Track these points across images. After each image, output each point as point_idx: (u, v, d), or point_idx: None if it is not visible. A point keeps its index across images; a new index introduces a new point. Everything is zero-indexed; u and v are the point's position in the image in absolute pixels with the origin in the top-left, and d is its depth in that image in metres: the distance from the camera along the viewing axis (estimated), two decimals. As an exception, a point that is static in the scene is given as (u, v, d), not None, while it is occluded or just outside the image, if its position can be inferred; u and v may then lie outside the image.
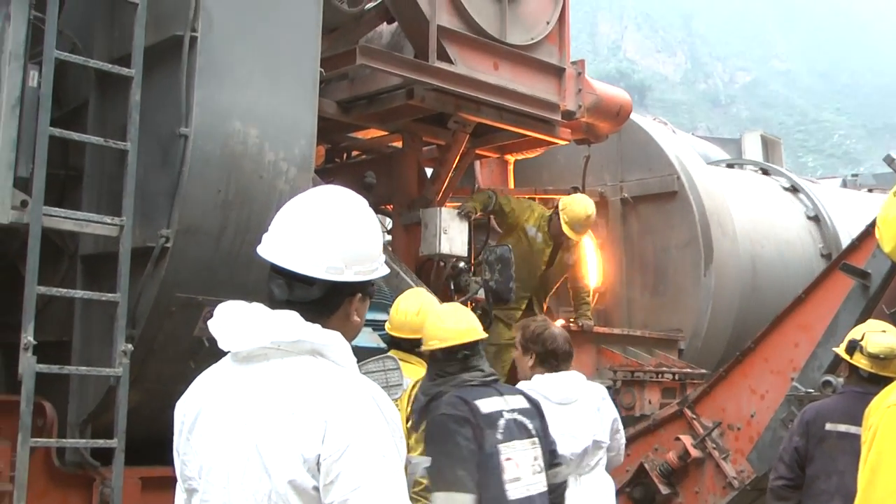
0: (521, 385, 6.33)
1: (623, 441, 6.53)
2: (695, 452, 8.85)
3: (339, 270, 2.87)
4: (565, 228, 9.76)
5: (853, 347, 6.54)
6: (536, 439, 5.18)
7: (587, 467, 6.19)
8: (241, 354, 2.87)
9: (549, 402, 6.13)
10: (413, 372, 6.10)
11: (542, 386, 6.22)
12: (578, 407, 6.21)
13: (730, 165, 14.78)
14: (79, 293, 6.24)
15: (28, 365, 5.59)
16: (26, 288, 5.69)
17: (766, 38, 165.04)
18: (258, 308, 2.88)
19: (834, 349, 6.96)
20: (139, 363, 6.19)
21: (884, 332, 6.57)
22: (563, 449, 6.06)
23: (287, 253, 2.88)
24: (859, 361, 6.52)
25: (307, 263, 2.85)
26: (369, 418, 2.72)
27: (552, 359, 6.30)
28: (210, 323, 2.89)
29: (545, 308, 10.18)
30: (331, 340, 2.82)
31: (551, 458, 5.28)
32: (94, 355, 6.32)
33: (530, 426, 5.18)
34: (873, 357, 6.44)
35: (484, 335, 5.59)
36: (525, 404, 5.29)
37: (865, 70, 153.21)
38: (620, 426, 6.47)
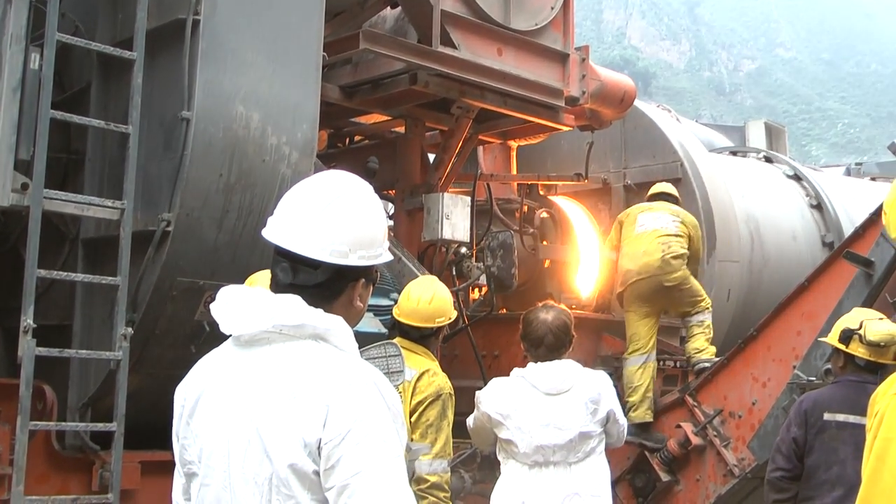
0: (514, 372, 6.31)
1: (622, 428, 6.46)
2: (696, 440, 8.85)
3: (343, 254, 2.87)
4: None
5: (848, 336, 6.51)
6: None
7: (578, 456, 6.14)
8: (243, 338, 2.86)
9: (537, 392, 6.12)
10: (417, 362, 6.10)
11: (533, 375, 6.17)
12: (568, 398, 6.10)
13: (733, 153, 14.76)
14: (79, 277, 6.24)
15: (28, 348, 5.59)
16: (26, 271, 5.69)
17: (771, 27, 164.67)
18: (261, 292, 2.88)
19: (823, 339, 6.91)
20: (140, 347, 6.19)
21: (881, 319, 6.55)
22: (546, 440, 6.05)
23: (292, 236, 2.87)
24: (857, 350, 6.49)
25: (312, 246, 2.85)
26: (371, 404, 2.71)
27: (532, 347, 6.28)
28: (212, 306, 2.89)
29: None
30: (333, 325, 2.82)
31: None
32: (95, 339, 6.33)
33: None
34: (873, 345, 6.41)
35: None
36: None
37: (871, 59, 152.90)
38: (619, 416, 6.38)
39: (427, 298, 6.32)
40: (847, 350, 6.53)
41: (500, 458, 6.33)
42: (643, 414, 9.25)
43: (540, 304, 6.53)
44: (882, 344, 6.40)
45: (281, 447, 2.68)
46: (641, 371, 9.40)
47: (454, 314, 6.49)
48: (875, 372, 6.51)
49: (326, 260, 2.85)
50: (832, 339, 6.65)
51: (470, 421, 6.47)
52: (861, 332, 6.44)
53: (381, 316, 7.28)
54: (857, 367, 6.52)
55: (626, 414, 8.44)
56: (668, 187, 10.44)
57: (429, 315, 6.26)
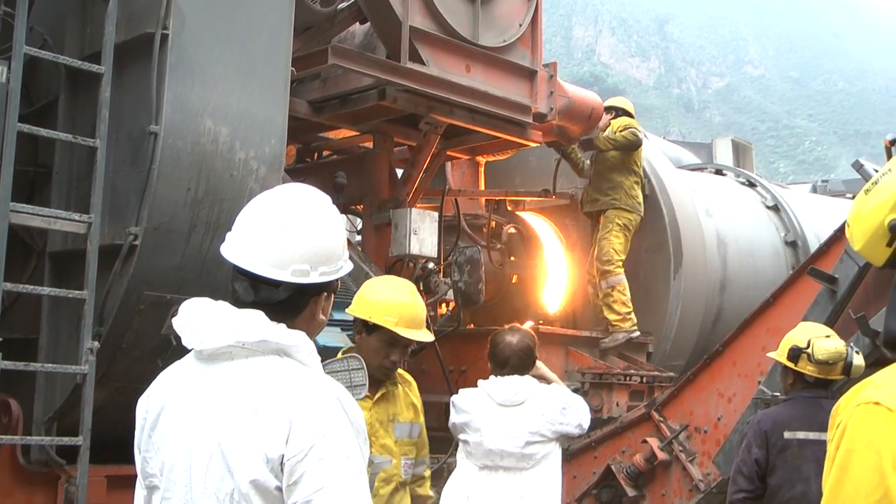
0: (479, 384, 6.52)
1: (581, 427, 6.62)
2: (662, 455, 8.87)
3: (304, 273, 2.87)
4: None
5: (797, 354, 6.56)
6: None
7: (529, 463, 6.36)
8: (205, 353, 2.86)
9: (492, 402, 6.42)
10: None
11: (489, 387, 6.49)
12: (521, 410, 6.37)
13: (697, 169, 14.87)
14: (46, 290, 6.22)
15: (-7, 361, 5.57)
16: (-7, 284, 5.67)
17: (740, 45, 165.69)
18: (223, 306, 2.87)
19: (771, 355, 6.94)
20: (106, 361, 6.18)
21: (827, 336, 6.59)
22: (496, 445, 6.34)
23: (252, 257, 2.87)
24: (805, 368, 6.53)
25: (272, 267, 2.85)
26: (334, 419, 2.72)
27: (498, 367, 6.54)
28: (174, 320, 2.89)
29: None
30: (296, 341, 2.82)
31: None
32: (62, 353, 6.31)
33: None
34: (821, 363, 6.47)
35: None
36: None
37: (838, 77, 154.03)
38: (572, 428, 6.55)
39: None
40: (796, 368, 6.58)
41: (458, 457, 6.58)
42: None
43: (507, 327, 6.73)
44: (830, 362, 6.46)
45: (243, 462, 2.68)
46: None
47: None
48: (826, 387, 6.57)
49: (288, 280, 2.87)
50: (780, 356, 6.69)
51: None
52: (809, 350, 6.49)
53: (348, 331, 7.27)
54: (807, 383, 6.58)
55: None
56: (617, 101, 11.37)
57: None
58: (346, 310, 5.41)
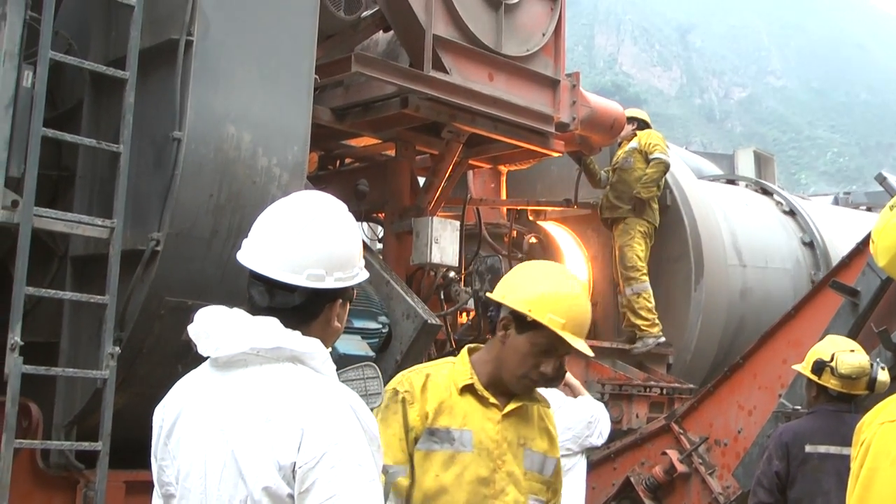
0: None
1: (594, 440, 6.65)
2: (681, 467, 8.85)
3: (320, 277, 2.88)
4: None
5: (821, 368, 6.54)
6: None
7: None
8: (220, 360, 2.88)
9: None
10: None
11: None
12: None
13: (730, 181, 14.80)
14: (67, 294, 6.23)
15: (14, 365, 5.57)
16: (14, 288, 5.68)
17: (762, 55, 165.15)
18: (238, 313, 2.89)
19: (796, 367, 6.92)
20: (127, 366, 6.18)
21: (852, 351, 6.57)
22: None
23: (268, 261, 2.89)
24: (829, 382, 6.52)
25: (288, 271, 2.87)
26: (346, 427, 2.72)
27: None
28: (189, 328, 2.91)
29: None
30: (311, 348, 2.83)
31: None
32: (82, 357, 6.32)
33: None
34: (844, 377, 6.45)
35: None
36: None
37: (860, 89, 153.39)
38: (597, 440, 6.59)
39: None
40: (819, 381, 6.56)
41: None
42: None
43: None
44: (853, 376, 6.44)
45: (256, 470, 2.70)
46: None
47: None
48: (849, 401, 6.54)
49: (303, 284, 2.87)
50: (805, 369, 6.68)
51: None
52: (833, 364, 6.48)
53: (369, 339, 7.26)
54: (830, 397, 6.56)
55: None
56: (638, 112, 11.70)
57: None
58: (488, 294, 4.10)
